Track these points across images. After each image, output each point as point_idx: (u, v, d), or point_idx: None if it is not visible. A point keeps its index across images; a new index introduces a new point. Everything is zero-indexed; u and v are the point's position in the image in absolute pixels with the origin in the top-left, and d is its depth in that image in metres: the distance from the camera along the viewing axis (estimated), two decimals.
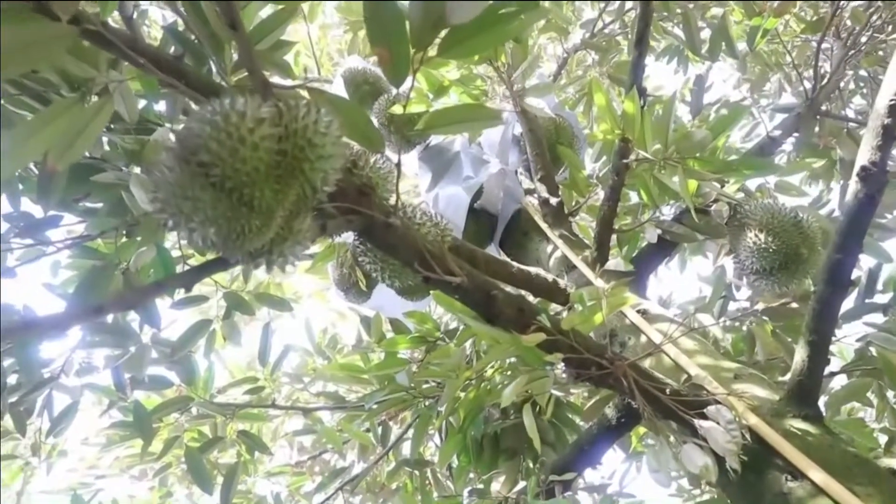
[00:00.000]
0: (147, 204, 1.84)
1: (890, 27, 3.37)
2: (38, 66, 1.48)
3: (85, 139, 1.23)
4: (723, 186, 2.25)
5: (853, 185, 1.38)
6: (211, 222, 0.86)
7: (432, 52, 1.15)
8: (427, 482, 3.35)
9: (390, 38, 1.08)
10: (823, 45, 3.20)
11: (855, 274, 1.49)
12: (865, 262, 2.80)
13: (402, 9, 1.07)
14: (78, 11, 1.09)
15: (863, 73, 3.91)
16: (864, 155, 1.35)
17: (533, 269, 2.23)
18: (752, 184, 2.58)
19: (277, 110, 0.89)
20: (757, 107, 4.40)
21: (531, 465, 2.67)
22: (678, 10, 3.53)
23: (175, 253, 2.39)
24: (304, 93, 1.49)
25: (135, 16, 1.81)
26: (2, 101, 1.71)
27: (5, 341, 1.85)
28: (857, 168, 1.36)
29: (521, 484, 2.46)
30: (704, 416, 1.44)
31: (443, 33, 1.11)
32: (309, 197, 0.94)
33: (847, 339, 2.60)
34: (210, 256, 1.01)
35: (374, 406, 2.72)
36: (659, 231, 2.36)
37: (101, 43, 1.20)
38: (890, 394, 2.54)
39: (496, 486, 2.62)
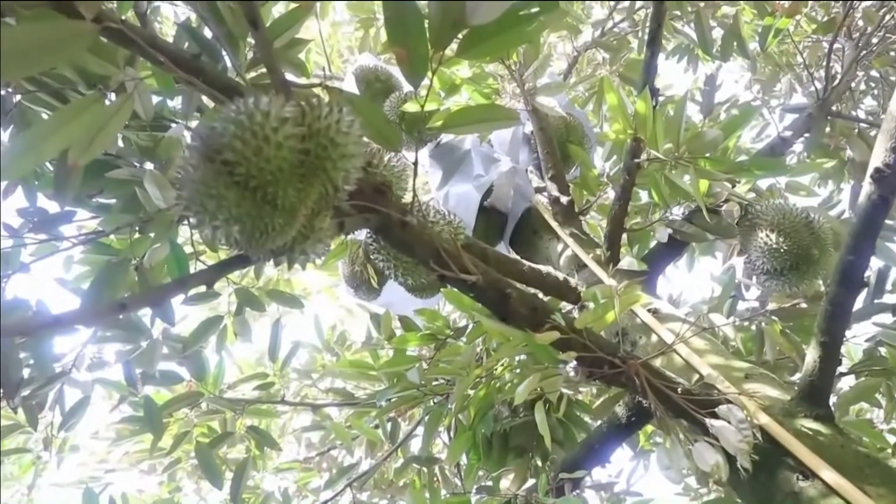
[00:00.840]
0: (160, 200, 1.85)
1: None
2: (59, 63, 1.50)
3: (105, 136, 1.24)
4: (734, 186, 2.25)
5: (866, 186, 1.38)
6: (235, 220, 0.87)
7: (450, 52, 1.15)
8: (435, 479, 3.36)
9: (409, 37, 1.09)
10: (835, 46, 3.20)
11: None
12: (873, 262, 2.80)
13: (421, 9, 1.07)
14: (100, 10, 1.10)
15: (874, 73, 3.90)
16: (878, 157, 1.35)
17: (544, 268, 2.24)
18: (763, 184, 2.58)
19: (300, 110, 0.90)
20: (767, 107, 4.39)
21: (540, 463, 2.68)
22: (689, 10, 3.53)
23: (187, 249, 2.40)
24: (319, 90, 1.50)
25: (148, 12, 1.82)
26: (19, 98, 1.73)
27: (26, 336, 1.87)
28: (870, 170, 1.36)
29: (530, 482, 2.47)
30: (716, 416, 1.44)
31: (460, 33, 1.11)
32: (331, 195, 0.95)
33: (856, 340, 2.59)
34: (223, 253, 1.02)
35: (385, 403, 2.73)
36: (670, 230, 2.36)
37: (121, 41, 1.21)
38: None
39: (505, 484, 2.63)
